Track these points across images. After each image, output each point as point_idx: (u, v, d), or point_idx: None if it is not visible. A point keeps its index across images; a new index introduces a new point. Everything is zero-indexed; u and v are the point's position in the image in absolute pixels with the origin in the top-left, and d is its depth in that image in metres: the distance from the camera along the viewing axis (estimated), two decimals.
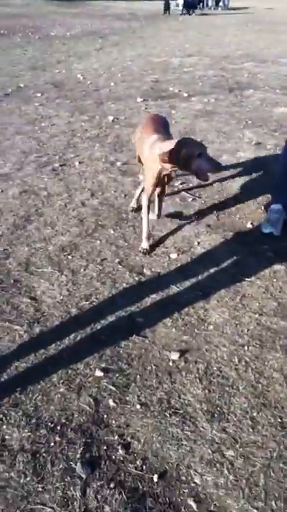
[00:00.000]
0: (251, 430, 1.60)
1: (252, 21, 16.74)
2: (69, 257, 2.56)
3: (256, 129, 4.75)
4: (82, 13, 18.46)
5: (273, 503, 1.38)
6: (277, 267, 2.51)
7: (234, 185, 3.45)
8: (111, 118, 5.12)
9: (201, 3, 22.27)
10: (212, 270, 2.48)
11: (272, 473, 1.46)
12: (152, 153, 2.37)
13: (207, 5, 22.92)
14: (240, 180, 3.53)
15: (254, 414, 1.66)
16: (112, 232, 2.83)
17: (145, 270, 2.48)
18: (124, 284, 2.36)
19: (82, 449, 1.53)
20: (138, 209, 3.01)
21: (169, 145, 2.25)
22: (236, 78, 7.24)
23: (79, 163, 3.82)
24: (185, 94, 6.18)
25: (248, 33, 13.25)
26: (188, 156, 2.18)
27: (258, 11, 20.32)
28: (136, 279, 2.40)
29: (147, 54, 9.51)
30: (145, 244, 2.63)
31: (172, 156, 2.22)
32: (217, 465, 1.48)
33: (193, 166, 2.21)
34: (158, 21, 17.43)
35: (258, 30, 13.65)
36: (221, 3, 22.98)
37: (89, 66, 8.02)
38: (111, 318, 2.12)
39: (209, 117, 5.21)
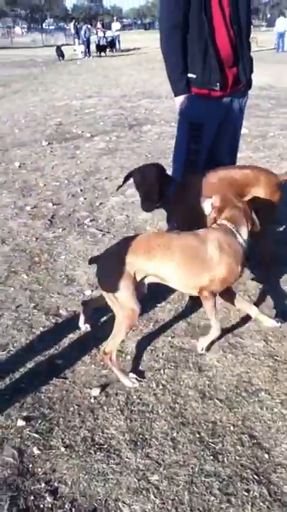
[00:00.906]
0: (172, 451, 1.67)
1: (145, 61, 17.83)
2: None
3: (156, 161, 5.03)
4: None
5: None
6: None
7: (140, 218, 3.64)
8: (17, 164, 5.15)
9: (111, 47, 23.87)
10: None
11: (195, 489, 1.54)
12: None
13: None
14: (144, 213, 3.71)
15: (175, 435, 1.74)
16: (25, 277, 2.83)
17: (61, 311, 2.51)
18: (41, 328, 2.37)
19: (8, 504, 1.50)
20: None
21: None
22: (134, 115, 7.66)
23: None
24: (88, 135, 6.41)
25: (143, 72, 14.09)
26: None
27: (150, 50, 21.68)
28: (53, 321, 2.43)
29: (49, 98, 9.74)
30: None
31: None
32: (144, 492, 1.53)
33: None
34: (57, 66, 17.93)
35: (151, 68, 14.56)
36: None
37: None
38: (30, 365, 2.11)
39: (112, 155, 5.44)
